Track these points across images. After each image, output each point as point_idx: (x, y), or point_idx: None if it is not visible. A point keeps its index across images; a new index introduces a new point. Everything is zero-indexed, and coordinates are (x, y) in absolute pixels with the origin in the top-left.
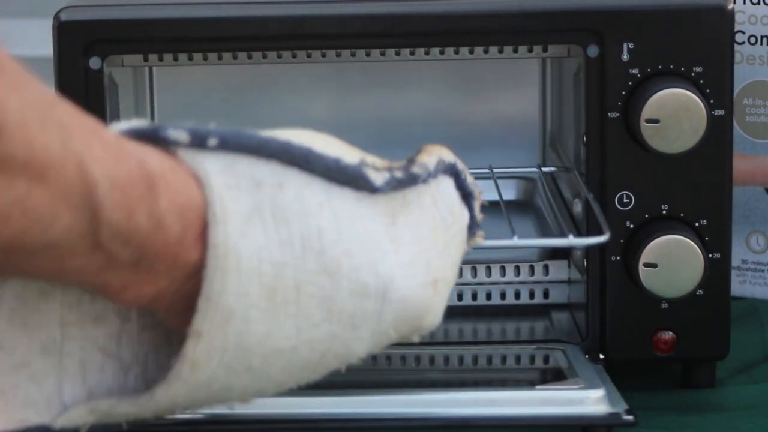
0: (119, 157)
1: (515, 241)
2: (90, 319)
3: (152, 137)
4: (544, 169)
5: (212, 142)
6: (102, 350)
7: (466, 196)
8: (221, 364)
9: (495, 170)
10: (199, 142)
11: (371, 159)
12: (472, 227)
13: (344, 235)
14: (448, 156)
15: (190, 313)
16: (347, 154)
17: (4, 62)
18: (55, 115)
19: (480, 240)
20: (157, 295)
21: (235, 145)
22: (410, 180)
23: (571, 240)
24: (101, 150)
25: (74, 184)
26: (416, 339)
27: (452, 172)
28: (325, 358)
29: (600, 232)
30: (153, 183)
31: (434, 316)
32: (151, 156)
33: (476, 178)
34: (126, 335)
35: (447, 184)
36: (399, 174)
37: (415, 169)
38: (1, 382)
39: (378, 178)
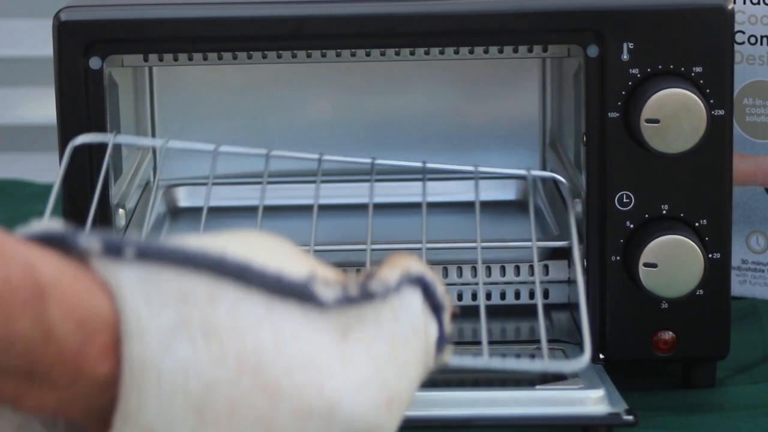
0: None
1: (486, 360)
2: (14, 428)
3: (62, 244)
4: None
5: (129, 252)
6: None
7: (436, 308)
8: None
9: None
10: (113, 252)
11: (323, 272)
12: (441, 342)
13: (285, 353)
14: (416, 267)
15: (108, 427)
16: (297, 265)
17: None
18: None
19: (447, 357)
20: (59, 405)
21: (157, 256)
22: (365, 297)
23: (546, 364)
24: None
25: None
26: None
27: (420, 283)
28: None
29: (579, 350)
30: (41, 290)
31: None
32: (45, 262)
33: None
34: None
35: (412, 298)
36: (353, 291)
37: (373, 286)
38: None
39: (328, 294)
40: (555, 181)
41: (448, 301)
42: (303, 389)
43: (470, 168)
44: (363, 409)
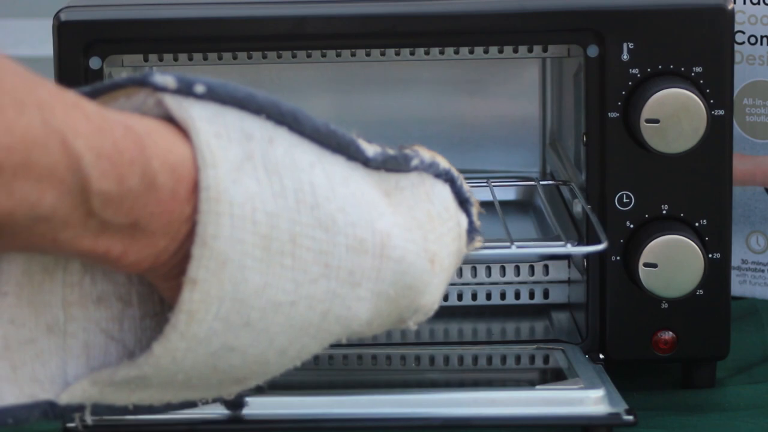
0: (102, 128)
1: (513, 249)
2: (91, 300)
3: (140, 83)
4: (542, 183)
5: (199, 89)
6: (105, 332)
7: (463, 202)
8: (218, 317)
9: (494, 172)
10: (186, 88)
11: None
12: (471, 232)
13: (338, 192)
14: (443, 162)
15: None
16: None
17: None
18: (35, 96)
19: (479, 244)
20: (157, 257)
21: (222, 94)
22: (402, 159)
23: (569, 248)
24: (84, 123)
25: (58, 161)
26: (413, 326)
27: (447, 178)
28: (326, 321)
29: (598, 240)
30: (143, 145)
31: (432, 298)
32: (135, 120)
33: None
34: (128, 320)
35: (442, 187)
36: (391, 151)
37: (408, 152)
38: (13, 357)
39: (369, 149)
40: (553, 178)
41: (473, 197)
42: (356, 224)
43: (483, 181)
44: (411, 253)
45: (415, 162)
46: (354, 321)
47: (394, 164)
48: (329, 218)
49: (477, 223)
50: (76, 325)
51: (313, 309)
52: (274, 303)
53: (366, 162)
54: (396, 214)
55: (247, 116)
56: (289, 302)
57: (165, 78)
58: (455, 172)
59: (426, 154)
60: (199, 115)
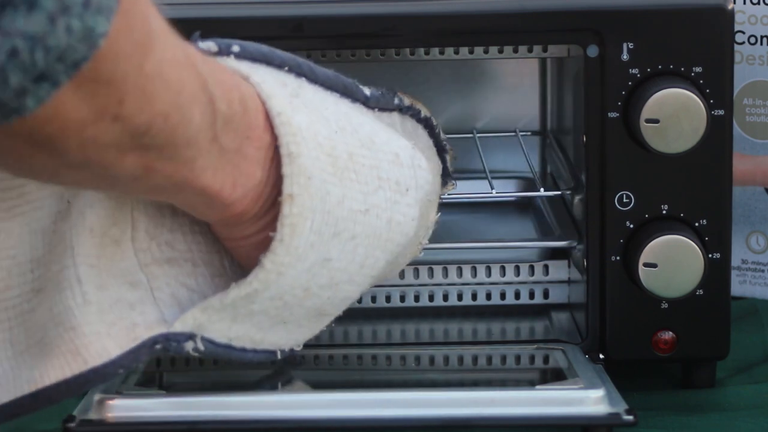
0: (206, 60)
1: (445, 196)
2: (164, 261)
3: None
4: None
5: (235, 48)
6: (185, 286)
7: (440, 149)
8: (312, 229)
9: (494, 172)
10: (225, 49)
11: None
12: (445, 176)
13: (363, 120)
14: (424, 109)
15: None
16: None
17: None
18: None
19: (451, 188)
20: (255, 190)
21: (253, 52)
22: (389, 97)
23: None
24: (198, 55)
25: (197, 82)
26: (422, 249)
27: (427, 124)
28: (391, 229)
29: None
30: (230, 75)
31: (435, 215)
32: (215, 60)
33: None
34: (200, 277)
35: (422, 131)
36: (381, 90)
37: (393, 92)
38: (107, 318)
39: (366, 90)
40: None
41: (449, 145)
42: (388, 142)
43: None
44: (427, 169)
45: (396, 100)
46: (408, 227)
47: (384, 102)
48: (368, 139)
49: (450, 168)
50: (158, 281)
51: (380, 217)
52: (352, 211)
53: (366, 101)
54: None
55: (273, 69)
56: (363, 211)
57: (206, 44)
58: (434, 121)
59: (406, 99)
60: (243, 67)
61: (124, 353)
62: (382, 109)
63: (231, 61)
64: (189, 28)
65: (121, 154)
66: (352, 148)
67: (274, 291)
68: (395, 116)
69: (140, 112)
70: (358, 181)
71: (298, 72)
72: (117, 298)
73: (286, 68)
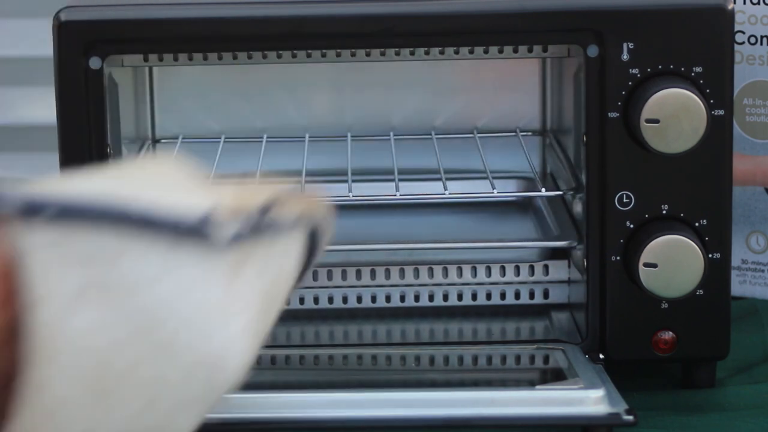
0: None
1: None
2: None
3: None
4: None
5: (46, 214)
6: None
7: (312, 252)
8: None
9: (494, 172)
10: (31, 214)
11: (225, 199)
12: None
13: (177, 309)
14: (320, 215)
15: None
16: (196, 196)
17: None
18: None
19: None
20: None
21: (75, 212)
22: (262, 229)
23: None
24: None
25: None
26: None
27: (311, 234)
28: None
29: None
30: None
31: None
32: None
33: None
34: None
35: (299, 238)
36: (251, 223)
37: (271, 219)
38: None
39: (223, 233)
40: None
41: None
42: (193, 345)
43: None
44: (243, 357)
45: (274, 227)
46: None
47: (248, 237)
48: (166, 342)
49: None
50: None
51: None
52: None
53: (219, 244)
54: (234, 317)
55: (95, 233)
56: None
57: (12, 200)
58: (322, 225)
59: (296, 209)
60: (41, 242)
61: None
62: (247, 239)
63: (36, 225)
64: (189, 28)
65: None
66: (142, 355)
67: None
68: (269, 240)
69: None
70: (123, 404)
71: (129, 229)
72: None
73: (113, 230)
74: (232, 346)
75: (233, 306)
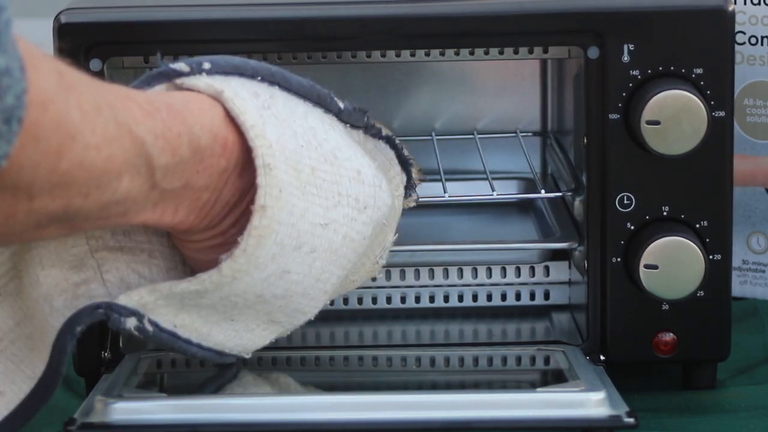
0: (152, 112)
1: (446, 198)
2: (117, 248)
3: (165, 75)
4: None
5: (206, 66)
6: (137, 273)
7: (404, 163)
8: (276, 241)
9: (494, 173)
10: (197, 68)
11: None
12: (408, 188)
13: (329, 135)
14: (386, 130)
15: (227, 224)
16: None
17: (59, 66)
18: (102, 97)
19: (413, 203)
20: (200, 211)
21: (224, 65)
22: (360, 115)
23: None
24: (139, 112)
25: (130, 149)
26: (379, 270)
27: (391, 143)
28: (345, 245)
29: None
30: (183, 117)
31: (392, 236)
32: (172, 97)
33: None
34: (155, 267)
35: (386, 147)
36: (354, 106)
37: (363, 111)
38: (55, 297)
39: (340, 103)
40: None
41: (413, 160)
42: (351, 159)
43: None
44: (386, 190)
45: (365, 119)
46: (359, 245)
47: (355, 118)
48: (331, 155)
49: (415, 182)
50: (108, 265)
51: (337, 232)
52: (313, 225)
53: (339, 113)
54: (368, 159)
55: (246, 80)
56: (323, 225)
57: (179, 64)
58: (397, 140)
59: (374, 121)
60: (214, 82)
61: (80, 311)
62: (353, 126)
63: (203, 78)
64: (190, 30)
65: (40, 229)
66: (315, 162)
67: (225, 292)
68: (361, 134)
69: (53, 201)
70: (319, 195)
71: (271, 81)
72: (63, 278)
73: (259, 78)
74: (377, 172)
75: (363, 153)
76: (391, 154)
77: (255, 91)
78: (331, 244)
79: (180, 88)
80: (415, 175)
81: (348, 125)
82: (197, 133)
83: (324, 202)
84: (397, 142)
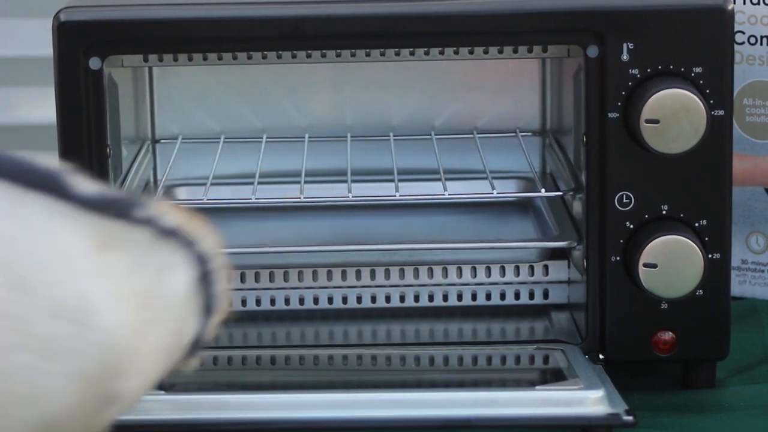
0: None
1: (446, 196)
2: None
3: None
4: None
5: None
6: None
7: (207, 306)
8: None
9: (494, 172)
10: None
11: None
12: (195, 346)
13: (36, 246)
14: (207, 247)
15: None
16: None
17: None
18: None
19: (193, 364)
20: None
21: None
22: (124, 204)
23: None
24: None
25: None
26: (110, 420)
27: (201, 265)
28: (13, 402)
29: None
30: None
31: (135, 386)
32: None
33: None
34: None
35: (183, 271)
36: (115, 195)
37: (139, 203)
38: None
39: (85, 187)
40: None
41: (224, 303)
42: (56, 285)
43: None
44: (118, 326)
45: (139, 212)
46: (47, 407)
47: (114, 208)
48: (23, 278)
49: (209, 334)
50: None
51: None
52: None
53: (78, 201)
54: (107, 276)
55: None
56: None
57: None
58: (213, 268)
59: (172, 216)
60: None
61: None
62: (115, 217)
63: None
64: (189, 28)
65: None
66: None
67: None
68: (140, 236)
69: None
70: None
71: None
72: None
73: None
74: (103, 303)
75: (102, 268)
76: (184, 282)
77: None
78: None
79: None
80: (212, 325)
81: (103, 215)
82: None
83: None
84: (210, 268)
